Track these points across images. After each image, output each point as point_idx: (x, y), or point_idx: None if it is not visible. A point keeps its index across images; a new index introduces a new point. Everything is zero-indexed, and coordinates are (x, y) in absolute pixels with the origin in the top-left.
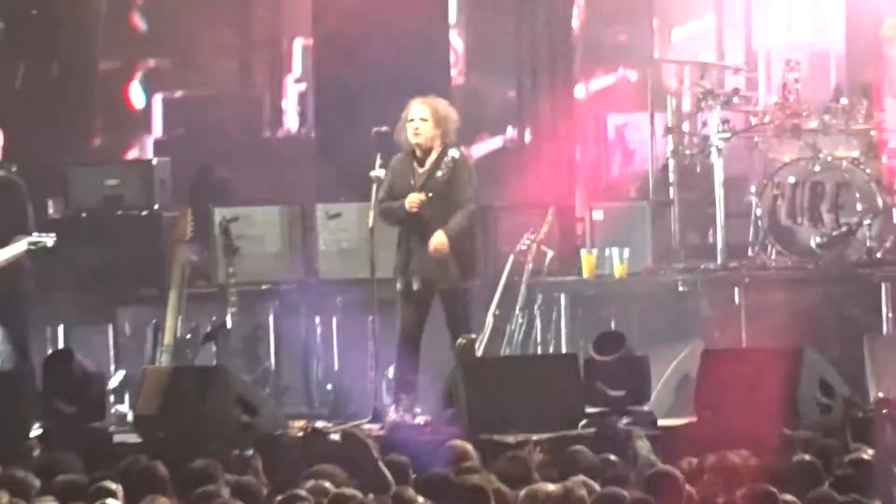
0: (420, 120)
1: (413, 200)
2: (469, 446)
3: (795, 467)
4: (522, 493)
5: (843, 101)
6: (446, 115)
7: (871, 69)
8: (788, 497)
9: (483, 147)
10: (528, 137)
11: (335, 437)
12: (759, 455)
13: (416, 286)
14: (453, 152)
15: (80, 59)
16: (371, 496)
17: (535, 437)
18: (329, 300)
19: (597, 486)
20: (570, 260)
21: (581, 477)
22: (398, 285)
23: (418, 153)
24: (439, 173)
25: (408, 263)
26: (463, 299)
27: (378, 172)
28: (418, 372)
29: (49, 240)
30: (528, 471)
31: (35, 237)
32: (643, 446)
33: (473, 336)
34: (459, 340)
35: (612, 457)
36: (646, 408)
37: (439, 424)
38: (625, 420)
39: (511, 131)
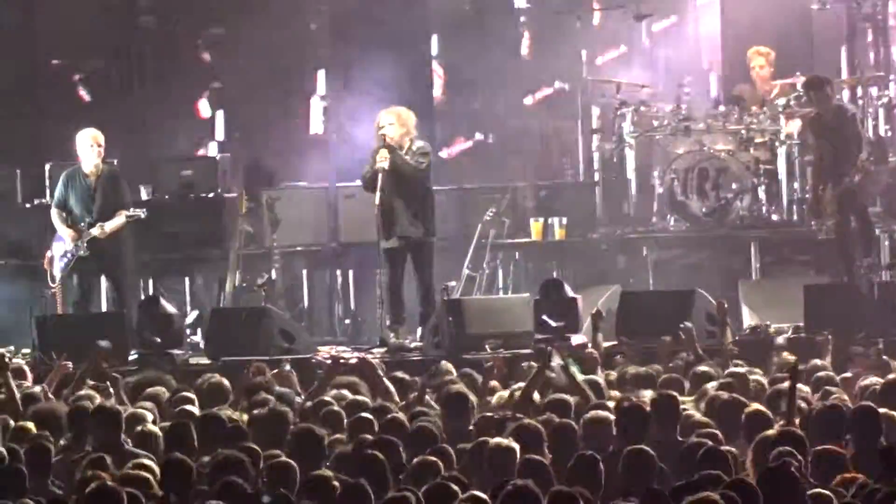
0: (388, 125)
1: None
2: (450, 365)
3: (692, 378)
4: (495, 397)
5: (721, 108)
6: (408, 117)
7: (740, 84)
8: (687, 398)
9: (458, 147)
10: (490, 138)
11: (352, 359)
12: (665, 368)
13: (394, 244)
14: (418, 142)
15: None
16: (378, 401)
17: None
18: (346, 258)
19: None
20: (522, 226)
21: None
22: (382, 244)
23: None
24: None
25: (387, 227)
26: (427, 249)
27: (383, 164)
28: (405, 309)
29: (141, 213)
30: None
31: (131, 212)
32: (561, 363)
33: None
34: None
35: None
36: (579, 335)
37: (428, 348)
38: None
39: (478, 135)
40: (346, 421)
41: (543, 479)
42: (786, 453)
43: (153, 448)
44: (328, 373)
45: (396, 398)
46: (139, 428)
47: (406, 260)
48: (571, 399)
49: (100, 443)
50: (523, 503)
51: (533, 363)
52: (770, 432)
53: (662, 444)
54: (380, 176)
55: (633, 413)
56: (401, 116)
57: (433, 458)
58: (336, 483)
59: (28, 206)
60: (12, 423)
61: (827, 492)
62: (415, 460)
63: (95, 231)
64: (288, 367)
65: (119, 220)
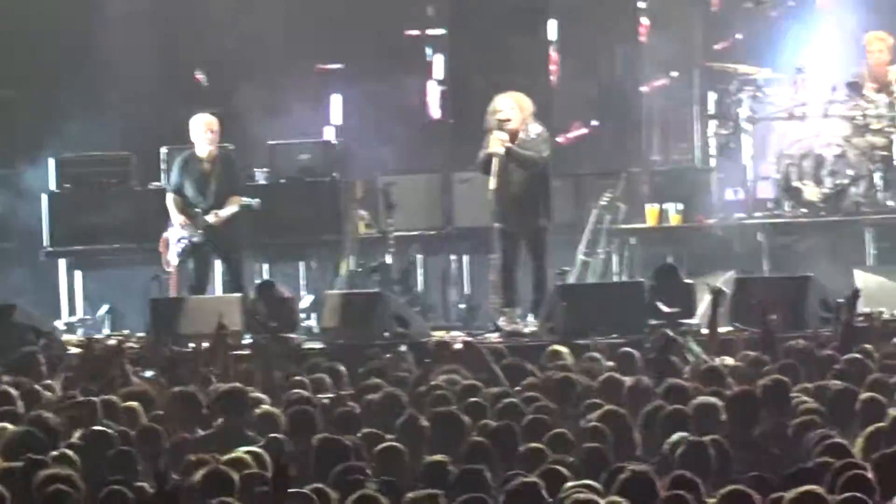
0: (510, 110)
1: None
2: (564, 349)
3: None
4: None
5: (838, 94)
6: (526, 103)
7: (857, 70)
8: (801, 386)
9: (574, 133)
10: (607, 124)
11: (458, 345)
12: (775, 357)
13: (510, 229)
14: (534, 127)
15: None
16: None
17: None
18: (461, 243)
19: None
20: (638, 212)
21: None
22: (497, 228)
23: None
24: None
25: (503, 213)
26: (544, 236)
27: (498, 150)
28: (517, 292)
29: (255, 203)
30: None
31: (245, 200)
32: (695, 349)
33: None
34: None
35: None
36: (693, 321)
37: (542, 333)
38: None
39: (594, 121)
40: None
41: None
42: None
43: (272, 431)
44: (435, 358)
45: (506, 383)
46: (260, 410)
47: (520, 246)
48: (688, 385)
49: (226, 426)
50: (641, 489)
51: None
52: (883, 422)
53: (774, 431)
54: (494, 161)
55: (743, 399)
56: (519, 103)
57: (542, 445)
58: (451, 468)
59: (143, 189)
60: (127, 406)
61: None
62: (525, 446)
63: (210, 218)
64: (404, 348)
65: (233, 207)
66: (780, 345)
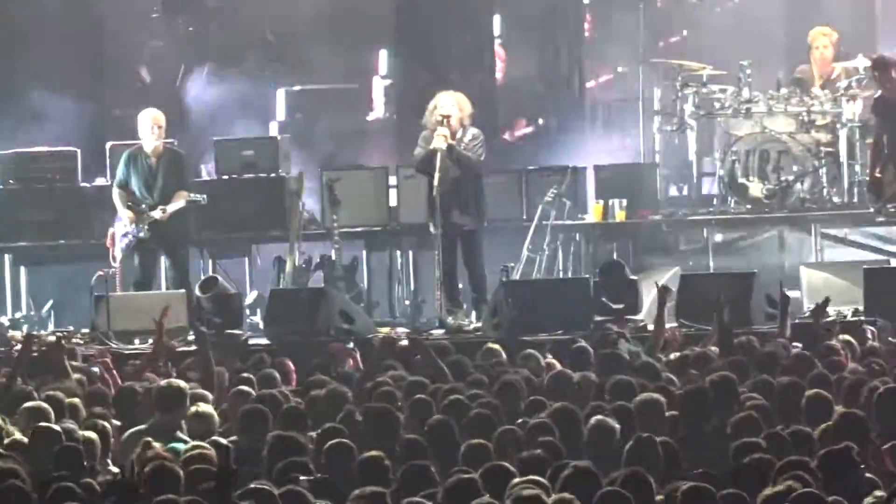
0: (451, 107)
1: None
2: (498, 347)
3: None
4: (548, 376)
5: (783, 90)
6: (465, 103)
7: (802, 66)
8: (748, 383)
9: (520, 131)
10: (552, 120)
11: (404, 342)
12: (723, 351)
13: (445, 231)
14: (472, 129)
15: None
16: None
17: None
18: (406, 239)
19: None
20: (583, 208)
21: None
22: (432, 230)
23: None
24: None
25: (439, 214)
26: (477, 238)
27: (441, 145)
28: (460, 291)
29: (202, 198)
30: (540, 367)
31: (192, 196)
32: (628, 346)
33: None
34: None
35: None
36: (639, 317)
37: (487, 330)
38: (615, 327)
39: (541, 119)
40: (400, 402)
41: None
42: (846, 437)
43: (208, 429)
44: (379, 353)
45: (451, 379)
46: (194, 409)
47: (457, 246)
48: (635, 381)
49: (161, 422)
50: (585, 484)
51: None
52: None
53: (721, 428)
54: (438, 156)
55: (694, 397)
56: (460, 102)
57: (486, 441)
58: (388, 463)
59: (89, 185)
60: (71, 402)
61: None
62: (468, 442)
63: (156, 214)
64: (351, 345)
65: (179, 203)
66: (732, 341)
